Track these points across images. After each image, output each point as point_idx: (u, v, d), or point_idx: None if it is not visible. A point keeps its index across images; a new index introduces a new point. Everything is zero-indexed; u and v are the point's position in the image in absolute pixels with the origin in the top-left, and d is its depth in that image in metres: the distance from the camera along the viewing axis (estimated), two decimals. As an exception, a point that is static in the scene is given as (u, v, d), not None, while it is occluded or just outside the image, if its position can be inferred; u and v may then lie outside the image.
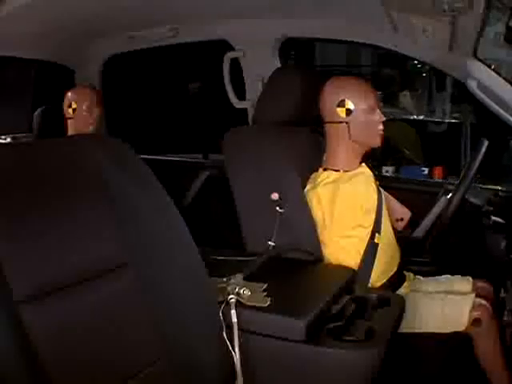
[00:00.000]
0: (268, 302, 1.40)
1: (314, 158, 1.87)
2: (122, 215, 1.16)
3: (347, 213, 1.71)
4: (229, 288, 1.38)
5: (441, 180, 2.75)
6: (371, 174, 1.82)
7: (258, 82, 2.38)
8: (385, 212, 1.81)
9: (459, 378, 1.72)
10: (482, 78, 1.79)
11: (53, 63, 2.54)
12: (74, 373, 1.02)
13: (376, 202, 1.76)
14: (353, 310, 1.46)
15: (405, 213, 2.01)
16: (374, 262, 1.71)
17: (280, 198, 1.69)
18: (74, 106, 2.39)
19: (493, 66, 1.79)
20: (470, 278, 1.92)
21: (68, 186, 1.12)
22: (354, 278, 1.63)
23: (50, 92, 2.63)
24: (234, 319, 1.31)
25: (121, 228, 1.15)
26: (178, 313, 1.21)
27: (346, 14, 2.08)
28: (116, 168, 1.17)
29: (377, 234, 1.73)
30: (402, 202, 2.01)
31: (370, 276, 1.70)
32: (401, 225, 2.01)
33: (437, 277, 1.97)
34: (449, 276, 1.96)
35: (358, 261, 1.70)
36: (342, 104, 1.74)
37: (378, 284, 1.73)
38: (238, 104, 2.52)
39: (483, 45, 1.76)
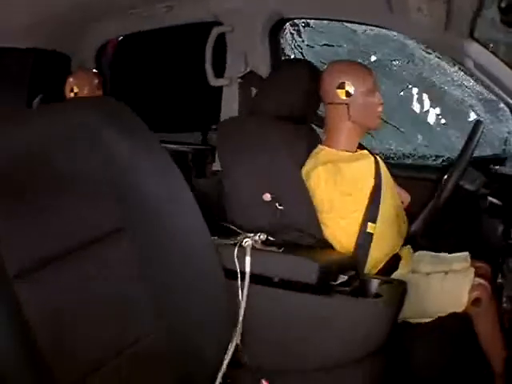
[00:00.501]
0: (282, 249, 1.45)
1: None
2: (121, 183, 1.13)
3: (347, 197, 1.72)
4: (241, 236, 1.43)
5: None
6: (373, 159, 1.83)
7: (241, 59, 2.30)
8: (387, 193, 1.81)
9: (459, 360, 1.73)
10: (478, 58, 1.77)
11: (48, 50, 2.53)
12: (69, 345, 1.01)
13: (370, 190, 1.76)
14: (356, 285, 1.50)
15: (405, 196, 2.02)
16: (367, 253, 1.71)
17: (272, 197, 1.66)
18: (75, 90, 2.44)
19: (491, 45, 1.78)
20: (468, 255, 1.90)
21: (61, 150, 1.08)
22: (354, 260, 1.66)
23: (46, 79, 2.63)
24: (248, 267, 1.36)
25: (121, 195, 1.13)
26: (177, 279, 1.19)
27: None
28: (116, 131, 1.14)
29: (370, 224, 1.72)
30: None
31: (365, 264, 1.70)
32: None
33: (435, 253, 1.94)
34: (446, 254, 1.95)
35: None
36: (341, 86, 1.78)
37: (374, 271, 1.74)
38: (214, 82, 2.39)
39: (480, 25, 1.74)
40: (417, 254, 1.91)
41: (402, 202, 1.98)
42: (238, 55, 2.32)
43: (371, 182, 1.77)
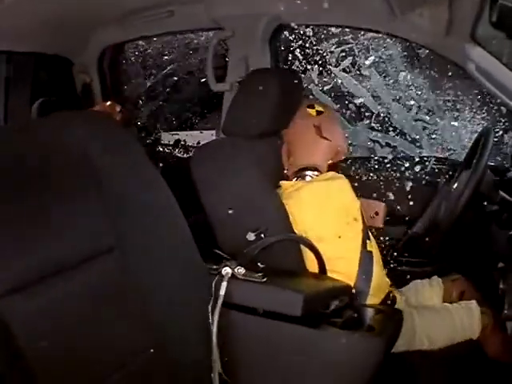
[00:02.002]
0: (265, 279, 1.37)
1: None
2: (106, 197, 1.11)
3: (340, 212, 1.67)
4: (222, 264, 1.36)
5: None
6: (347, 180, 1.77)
7: (242, 64, 2.30)
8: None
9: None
10: (480, 61, 1.77)
11: (50, 55, 2.53)
12: (59, 365, 1.00)
13: (359, 209, 1.72)
14: (351, 315, 1.44)
15: (377, 205, 1.98)
16: (371, 273, 1.65)
17: (258, 234, 1.54)
18: None
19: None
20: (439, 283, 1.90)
21: (48, 170, 1.07)
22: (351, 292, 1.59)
23: (47, 83, 2.63)
24: (222, 291, 1.30)
25: (106, 210, 1.11)
26: (166, 298, 1.18)
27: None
28: (101, 145, 1.12)
29: (368, 241, 1.69)
30: (396, 193, 1.96)
31: (368, 289, 1.64)
32: (378, 220, 1.96)
33: (407, 286, 1.92)
34: (418, 281, 1.92)
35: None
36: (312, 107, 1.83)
37: (375, 301, 1.68)
38: (215, 87, 2.39)
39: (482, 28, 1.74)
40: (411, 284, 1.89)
41: (377, 213, 1.95)
42: (238, 60, 2.32)
43: (357, 202, 1.73)
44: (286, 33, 3.39)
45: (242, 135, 1.77)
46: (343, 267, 1.64)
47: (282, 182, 1.77)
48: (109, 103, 2.49)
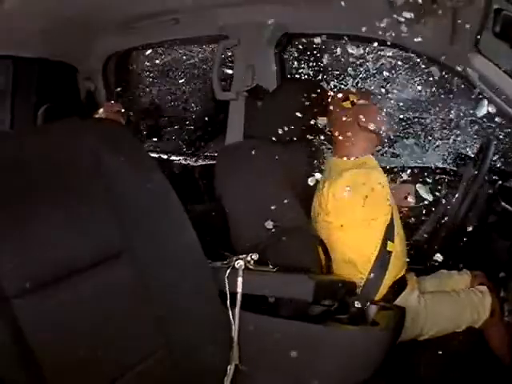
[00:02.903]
0: (276, 269, 1.42)
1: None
2: (117, 202, 1.13)
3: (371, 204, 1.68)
4: (234, 257, 1.40)
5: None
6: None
7: (248, 73, 2.31)
8: (396, 213, 1.79)
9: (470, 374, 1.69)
10: (483, 71, 1.78)
11: (55, 61, 2.55)
12: (70, 367, 1.01)
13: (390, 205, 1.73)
14: (355, 311, 1.48)
15: (407, 187, 2.05)
16: (384, 274, 1.68)
17: (274, 225, 1.60)
18: None
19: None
20: (467, 272, 1.95)
21: (61, 175, 1.09)
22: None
23: (52, 89, 2.64)
24: (240, 288, 1.33)
25: (116, 215, 1.13)
26: (174, 298, 1.20)
27: (346, 7, 2.07)
28: (111, 152, 1.14)
29: (389, 242, 1.70)
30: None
31: (381, 283, 1.67)
32: (410, 200, 2.04)
33: (432, 274, 1.96)
34: (444, 271, 1.97)
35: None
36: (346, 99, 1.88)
37: (381, 294, 1.70)
38: (221, 95, 2.39)
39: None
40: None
41: (408, 194, 2.01)
42: (244, 69, 2.33)
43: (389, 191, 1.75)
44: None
45: (267, 138, 1.81)
46: (358, 258, 1.69)
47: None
48: (112, 102, 2.51)
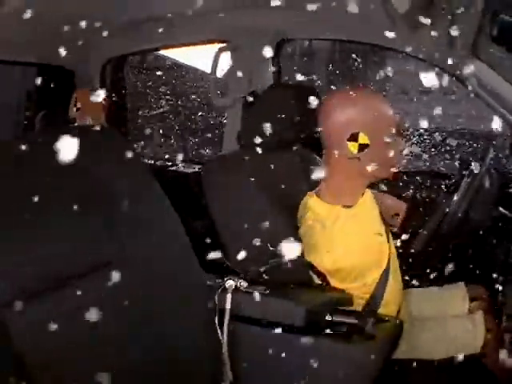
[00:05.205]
0: (268, 291, 1.38)
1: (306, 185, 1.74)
2: (109, 211, 1.13)
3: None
4: (226, 278, 1.37)
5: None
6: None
7: (245, 79, 2.29)
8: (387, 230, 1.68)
9: None
10: (482, 76, 1.78)
11: (53, 66, 2.55)
12: (60, 376, 1.00)
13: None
14: (352, 324, 1.44)
15: (399, 206, 1.87)
16: (385, 288, 1.57)
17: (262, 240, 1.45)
18: (78, 105, 2.41)
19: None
20: (463, 286, 1.83)
21: (60, 190, 1.08)
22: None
23: (50, 94, 2.64)
24: (228, 305, 1.30)
25: (108, 224, 1.12)
26: (166, 310, 1.19)
27: (345, 13, 2.06)
28: (101, 161, 1.14)
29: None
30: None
31: (381, 300, 1.57)
32: (398, 221, 1.87)
33: (423, 294, 1.86)
34: (435, 289, 1.85)
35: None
36: (353, 138, 1.44)
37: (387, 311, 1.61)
38: (217, 101, 2.36)
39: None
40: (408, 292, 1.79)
41: (398, 214, 1.86)
42: (241, 75, 2.31)
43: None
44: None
45: (258, 147, 1.71)
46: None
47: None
48: (88, 90, 2.45)
